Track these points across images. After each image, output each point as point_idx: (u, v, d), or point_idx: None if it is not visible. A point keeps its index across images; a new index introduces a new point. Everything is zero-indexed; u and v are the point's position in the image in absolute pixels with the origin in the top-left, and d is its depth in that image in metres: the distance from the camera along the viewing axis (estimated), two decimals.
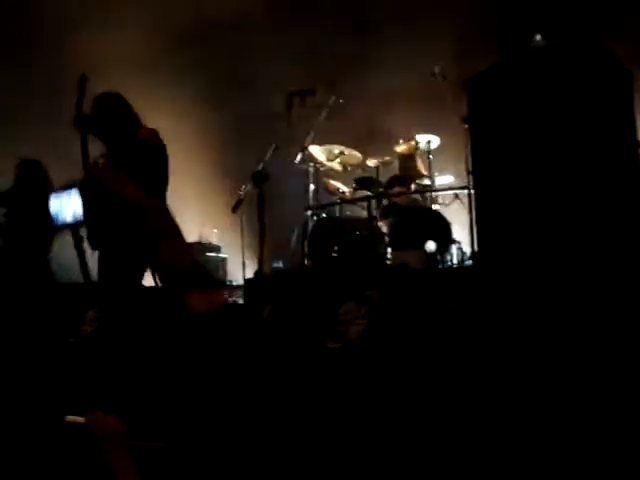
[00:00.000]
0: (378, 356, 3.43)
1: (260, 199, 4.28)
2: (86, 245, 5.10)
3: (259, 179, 4.40)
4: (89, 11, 7.50)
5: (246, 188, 5.34)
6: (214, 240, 7.33)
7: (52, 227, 5.58)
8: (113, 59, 7.17)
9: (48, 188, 5.60)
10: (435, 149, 6.33)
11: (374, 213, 6.04)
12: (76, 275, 5.61)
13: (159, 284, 3.60)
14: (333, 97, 6.10)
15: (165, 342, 3.90)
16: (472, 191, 5.88)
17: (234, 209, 5.32)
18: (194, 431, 2.67)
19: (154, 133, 4.65)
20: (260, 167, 4.82)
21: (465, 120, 5.30)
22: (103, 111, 4.60)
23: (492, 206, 3.80)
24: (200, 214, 7.16)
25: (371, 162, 6.44)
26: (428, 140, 6.27)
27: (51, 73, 7.02)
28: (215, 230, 7.43)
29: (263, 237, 4.08)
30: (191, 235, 7.08)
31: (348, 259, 5.61)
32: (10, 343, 4.40)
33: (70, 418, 1.71)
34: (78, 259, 5.60)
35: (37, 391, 3.11)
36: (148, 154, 4.52)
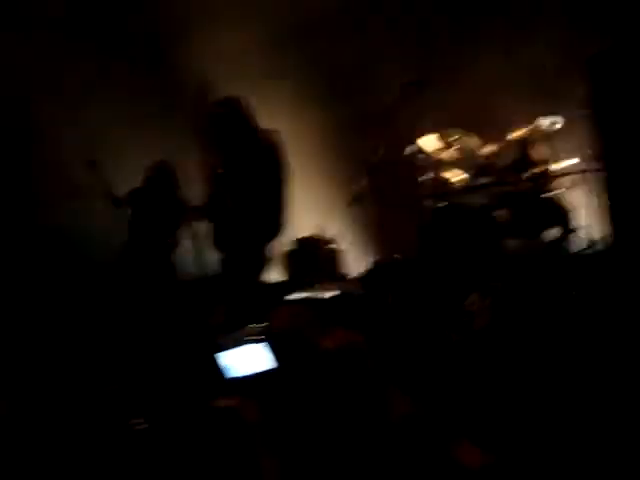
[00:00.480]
0: (504, 347, 3.36)
1: (378, 191, 4.28)
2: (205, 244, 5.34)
3: (375, 172, 4.41)
4: (201, 13, 7.71)
5: (362, 181, 5.36)
6: (329, 233, 7.36)
7: (176, 227, 5.85)
8: (224, 62, 7.33)
9: (175, 189, 5.87)
10: (555, 132, 6.11)
11: (491, 202, 5.91)
12: (195, 272, 5.84)
13: None
14: (445, 85, 6.02)
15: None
16: (596, 174, 5.67)
17: (354, 203, 5.34)
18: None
19: (272, 135, 4.76)
20: (376, 160, 4.82)
21: (586, 100, 5.09)
22: (224, 115, 4.76)
23: (626, 189, 3.62)
24: (315, 207, 7.22)
25: (487, 149, 6.29)
26: (548, 123, 6.06)
27: (168, 81, 7.29)
28: (330, 223, 7.47)
29: (382, 228, 4.08)
30: (307, 228, 7.17)
31: (466, 249, 5.52)
32: (145, 336, 4.64)
33: (220, 402, 1.77)
34: (197, 256, 5.83)
35: (188, 375, 3.25)
36: (266, 156, 4.65)
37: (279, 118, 5.51)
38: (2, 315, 5.51)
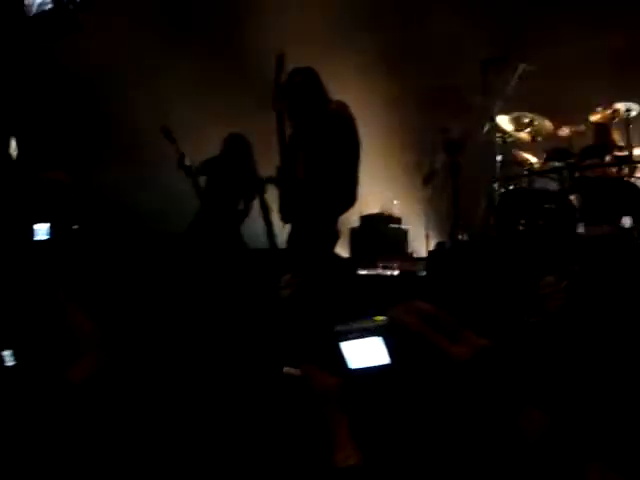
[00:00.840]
0: (578, 331, 3.29)
1: (453, 169, 4.21)
2: (274, 215, 5.37)
3: (453, 149, 4.33)
4: None
5: (435, 159, 5.28)
6: (395, 212, 7.32)
7: (248, 198, 5.90)
8: (293, 32, 7.31)
9: (250, 160, 5.92)
10: (634, 117, 5.92)
11: (565, 186, 5.78)
12: (263, 243, 5.88)
13: None
14: (523, 64, 5.87)
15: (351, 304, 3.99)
16: None
17: (426, 181, 5.26)
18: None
19: (344, 106, 4.73)
20: (454, 137, 4.74)
21: None
22: (294, 86, 4.75)
23: None
24: (382, 185, 7.17)
25: (563, 132, 6.14)
26: (627, 108, 5.88)
27: (244, 52, 7.32)
28: (395, 201, 7.43)
29: (456, 208, 4.02)
30: (373, 207, 7.14)
31: (536, 233, 5.41)
32: (212, 303, 4.69)
33: (287, 370, 1.77)
34: (266, 228, 5.86)
35: (257, 344, 3.28)
36: (339, 127, 4.62)
37: (351, 91, 5.47)
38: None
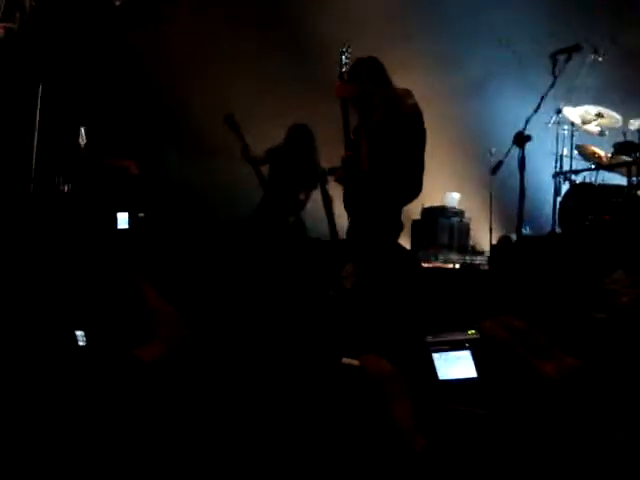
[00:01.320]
0: None
1: (520, 162, 4.15)
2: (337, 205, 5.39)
3: (521, 140, 4.27)
4: None
5: (501, 151, 5.20)
6: (457, 204, 7.25)
7: (309, 186, 5.94)
8: (359, 25, 7.29)
9: (312, 150, 5.96)
10: None
11: (635, 180, 5.63)
12: (323, 232, 5.91)
13: None
14: (592, 55, 5.73)
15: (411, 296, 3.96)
16: None
17: (492, 173, 5.19)
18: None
19: (409, 93, 4.70)
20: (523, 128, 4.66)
21: None
22: (358, 76, 4.74)
23: None
24: (444, 176, 7.11)
25: (633, 125, 5.97)
26: None
27: (307, 41, 7.34)
28: (457, 194, 7.35)
29: (522, 201, 3.96)
30: (435, 199, 7.09)
31: (604, 228, 5.29)
32: (269, 294, 4.74)
33: (346, 360, 1.78)
34: (327, 218, 5.89)
35: (310, 337, 3.31)
36: (403, 115, 4.59)
37: (416, 81, 5.44)
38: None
